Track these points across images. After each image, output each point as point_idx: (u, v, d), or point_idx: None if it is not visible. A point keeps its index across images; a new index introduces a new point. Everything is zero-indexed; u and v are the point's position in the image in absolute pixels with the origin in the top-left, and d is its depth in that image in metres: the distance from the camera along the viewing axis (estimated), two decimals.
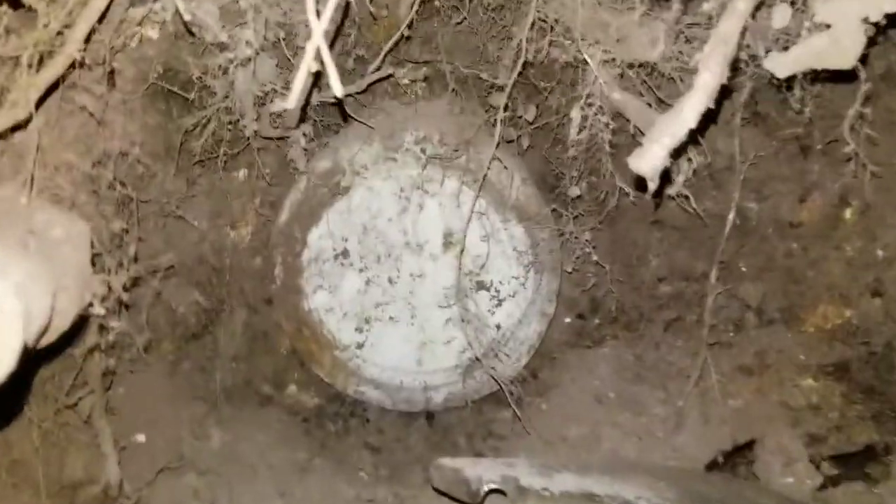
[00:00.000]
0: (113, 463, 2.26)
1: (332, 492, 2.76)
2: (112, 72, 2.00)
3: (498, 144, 2.20)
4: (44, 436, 2.14)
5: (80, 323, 1.73)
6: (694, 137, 1.43)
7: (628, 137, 2.24)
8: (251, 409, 2.79)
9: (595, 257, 2.41)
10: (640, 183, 1.53)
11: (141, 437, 2.56)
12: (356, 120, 2.28)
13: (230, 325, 2.66)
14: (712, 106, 1.41)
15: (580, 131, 2.15)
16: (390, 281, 2.60)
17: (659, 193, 1.83)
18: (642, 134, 2.16)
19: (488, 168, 2.30)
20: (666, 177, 1.52)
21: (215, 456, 2.66)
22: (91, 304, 1.64)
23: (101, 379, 2.22)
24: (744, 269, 2.65)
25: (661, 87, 2.12)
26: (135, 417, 2.58)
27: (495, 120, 2.20)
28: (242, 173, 2.55)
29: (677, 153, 1.49)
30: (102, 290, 1.65)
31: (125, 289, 1.87)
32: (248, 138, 2.16)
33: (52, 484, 2.18)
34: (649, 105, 2.11)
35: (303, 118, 2.24)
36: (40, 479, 2.13)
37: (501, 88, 2.31)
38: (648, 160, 1.38)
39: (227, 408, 2.74)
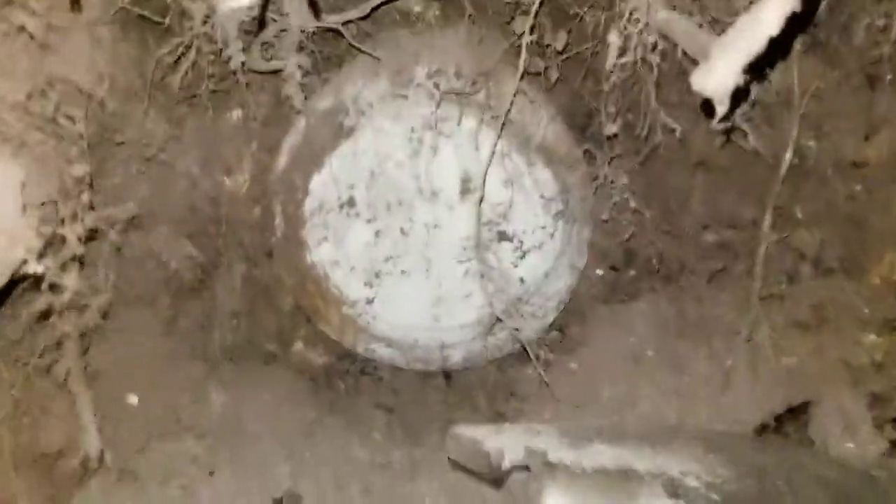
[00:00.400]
0: (92, 432, 2.06)
1: (343, 454, 2.57)
2: None
3: (522, 76, 1.90)
4: (15, 403, 1.94)
5: (21, 281, 1.50)
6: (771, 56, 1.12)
7: (674, 65, 1.94)
8: (254, 368, 2.58)
9: (633, 203, 2.12)
10: (706, 107, 1.23)
11: (133, 399, 2.36)
12: (360, 50, 1.98)
13: (228, 280, 2.43)
14: (798, 9, 1.10)
15: (619, 58, 1.85)
16: (402, 232, 2.34)
17: (728, 120, 1.51)
18: (691, 60, 1.86)
19: (511, 104, 2.01)
20: (741, 99, 1.22)
21: (216, 418, 2.47)
22: (25, 261, 1.39)
23: (76, 341, 2.01)
24: (799, 214, 2.36)
25: (714, 6, 1.81)
26: (126, 379, 2.37)
27: (519, 48, 1.91)
28: (236, 114, 2.28)
29: (754, 71, 1.17)
30: (37, 243, 1.40)
31: (81, 241, 1.61)
32: (235, 72, 1.87)
33: (25, 456, 1.98)
34: (700, 26, 1.81)
35: (300, 46, 1.95)
36: (9, 450, 1.94)
37: (526, 12, 2.01)
38: (716, 78, 1.08)
39: (228, 367, 2.53)
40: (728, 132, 1.90)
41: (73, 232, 1.49)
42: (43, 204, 1.50)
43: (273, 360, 2.60)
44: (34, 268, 1.39)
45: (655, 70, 1.84)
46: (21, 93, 1.49)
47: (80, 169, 1.64)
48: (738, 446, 2.09)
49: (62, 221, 1.52)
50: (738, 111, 1.79)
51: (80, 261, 1.68)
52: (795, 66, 2.07)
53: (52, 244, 1.50)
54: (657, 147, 2.10)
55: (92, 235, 1.77)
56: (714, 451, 1.88)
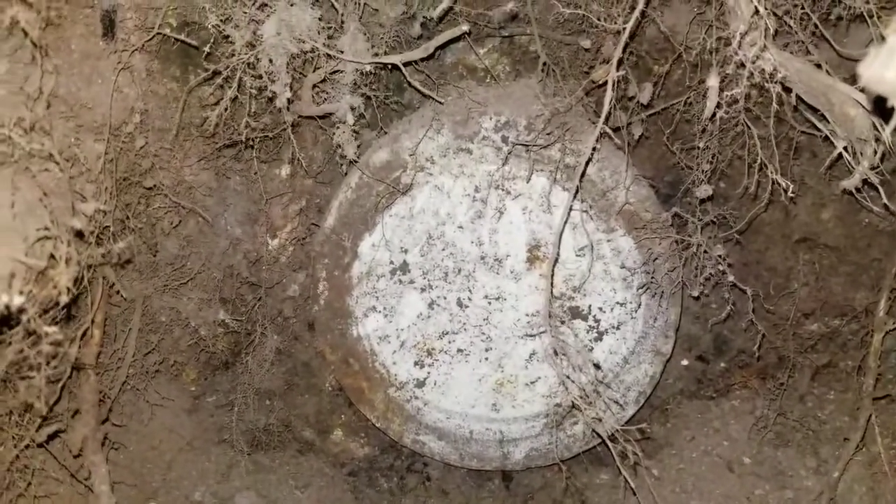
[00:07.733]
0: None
1: None
2: (109, 20, 1.56)
3: (602, 133, 1.63)
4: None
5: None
6: None
7: (784, 112, 1.68)
8: (287, 459, 2.29)
9: (731, 278, 1.81)
10: (880, 108, 0.94)
11: None
12: (419, 91, 1.76)
13: (263, 353, 2.16)
14: None
15: (718, 105, 1.59)
16: (460, 304, 2.06)
17: None
18: (809, 107, 1.59)
19: (588, 161, 1.75)
20: None
21: None
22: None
23: (96, 404, 1.75)
24: None
25: (837, 40, 1.56)
26: (144, 470, 2.11)
27: (598, 101, 1.68)
28: (286, 170, 2.07)
29: None
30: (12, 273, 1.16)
31: (70, 291, 1.34)
32: (280, 110, 1.67)
33: None
34: (819, 66, 1.54)
35: (354, 87, 1.74)
36: None
37: (607, 60, 1.79)
38: None
39: (257, 456, 2.24)
40: (853, 193, 1.59)
41: (66, 275, 1.23)
42: (38, 237, 1.27)
43: (309, 450, 2.30)
44: (13, 300, 1.14)
45: (771, 113, 1.56)
46: (58, 123, 1.29)
47: (91, 207, 1.41)
48: None
49: (55, 259, 1.27)
50: (867, 164, 1.48)
51: (68, 308, 1.44)
52: None
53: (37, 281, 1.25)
54: (762, 212, 1.81)
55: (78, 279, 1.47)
56: None
